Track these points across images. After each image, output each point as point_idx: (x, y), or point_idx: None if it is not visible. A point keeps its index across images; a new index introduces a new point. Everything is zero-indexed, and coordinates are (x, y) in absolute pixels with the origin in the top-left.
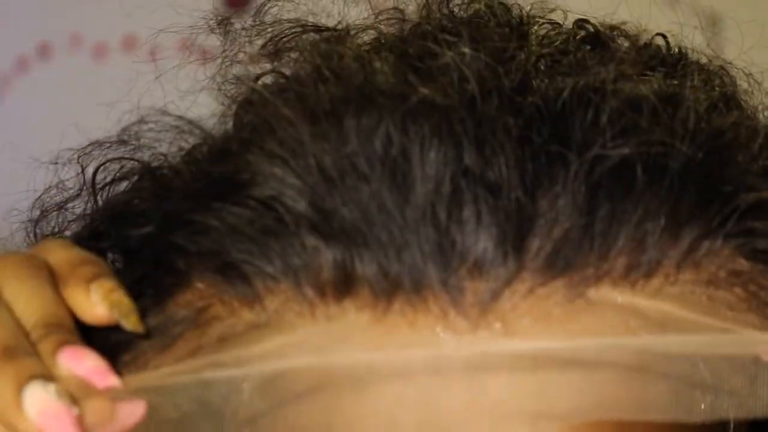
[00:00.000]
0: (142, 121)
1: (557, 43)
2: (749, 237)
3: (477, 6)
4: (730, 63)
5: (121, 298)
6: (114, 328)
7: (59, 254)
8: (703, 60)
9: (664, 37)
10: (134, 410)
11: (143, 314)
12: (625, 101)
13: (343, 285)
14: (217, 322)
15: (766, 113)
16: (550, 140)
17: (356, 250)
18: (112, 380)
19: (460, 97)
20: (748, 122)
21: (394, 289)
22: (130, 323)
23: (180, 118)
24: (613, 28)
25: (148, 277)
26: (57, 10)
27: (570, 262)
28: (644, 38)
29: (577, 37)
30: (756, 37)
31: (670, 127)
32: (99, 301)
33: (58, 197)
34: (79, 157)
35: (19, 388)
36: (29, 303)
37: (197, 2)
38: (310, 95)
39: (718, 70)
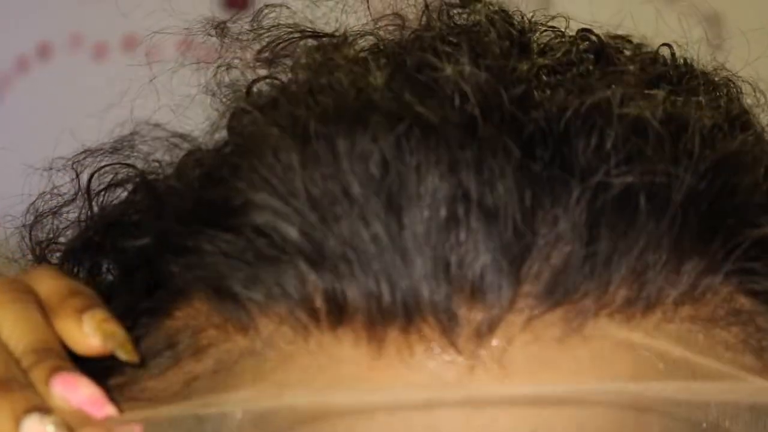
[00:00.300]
0: (134, 133)
1: (560, 53)
2: (750, 276)
3: (477, 16)
4: (735, 74)
5: (115, 328)
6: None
7: (48, 284)
8: (709, 68)
9: (670, 47)
10: None
11: (138, 336)
12: (629, 126)
13: (336, 314)
14: (212, 348)
15: None
16: (551, 164)
17: (347, 279)
18: (108, 410)
19: (459, 117)
20: (753, 142)
21: (387, 318)
22: (126, 353)
23: (172, 132)
24: (617, 38)
25: (143, 292)
26: (57, 10)
27: (569, 290)
28: (649, 48)
29: (581, 47)
30: (761, 41)
31: (675, 155)
32: (92, 332)
33: (52, 202)
34: (73, 163)
35: (17, 421)
36: (15, 328)
37: (197, 3)
38: (300, 115)
39: (724, 81)
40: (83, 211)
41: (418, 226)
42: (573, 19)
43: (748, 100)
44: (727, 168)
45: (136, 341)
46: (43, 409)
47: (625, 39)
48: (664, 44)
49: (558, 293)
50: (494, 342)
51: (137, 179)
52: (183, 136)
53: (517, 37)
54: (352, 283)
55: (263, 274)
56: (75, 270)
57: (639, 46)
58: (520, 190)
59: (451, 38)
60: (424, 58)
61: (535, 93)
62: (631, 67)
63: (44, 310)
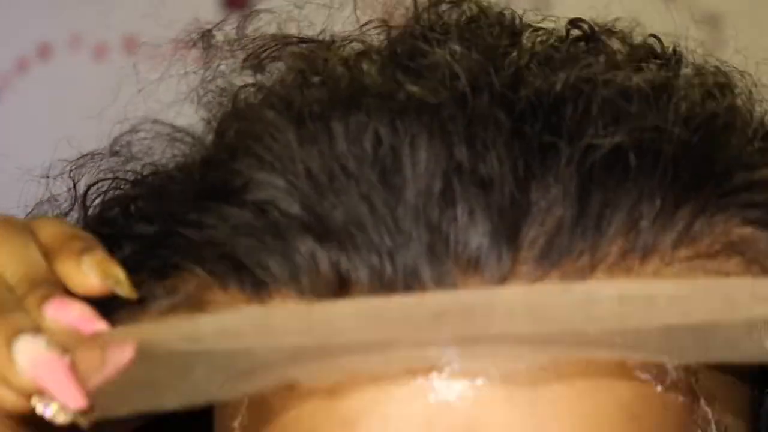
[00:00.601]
0: (134, 130)
1: (550, 42)
2: (748, 208)
3: (468, 12)
4: (725, 62)
5: (113, 266)
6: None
7: (50, 229)
8: (698, 59)
9: (657, 38)
10: (125, 352)
11: (142, 286)
12: (616, 91)
13: (339, 287)
14: (213, 306)
15: (765, 106)
16: (541, 132)
17: (349, 252)
18: (99, 325)
19: (450, 94)
20: (742, 109)
21: (388, 291)
22: (124, 290)
23: (172, 126)
24: (607, 28)
25: (151, 258)
26: (57, 10)
27: (563, 251)
28: (638, 37)
29: (571, 36)
30: (754, 35)
31: (663, 114)
32: (91, 271)
33: (50, 212)
34: (70, 170)
35: (9, 342)
36: (11, 259)
37: (198, 2)
38: (295, 99)
39: (714, 69)
40: (80, 221)
41: (414, 200)
42: (565, 17)
43: (741, 98)
44: (717, 124)
45: (138, 285)
46: (36, 329)
47: (615, 28)
48: (651, 35)
49: (553, 255)
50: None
51: (136, 178)
52: (184, 130)
53: (509, 26)
54: (357, 257)
55: (272, 247)
56: None
57: (628, 33)
58: (512, 160)
59: (441, 27)
60: (415, 45)
61: (526, 73)
62: (620, 48)
63: (45, 252)
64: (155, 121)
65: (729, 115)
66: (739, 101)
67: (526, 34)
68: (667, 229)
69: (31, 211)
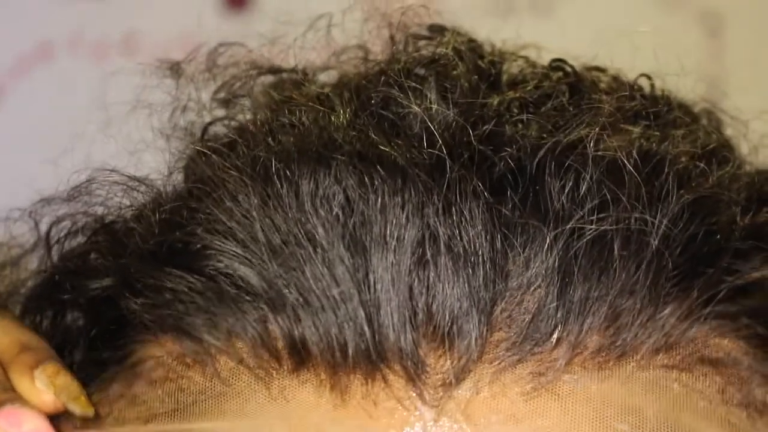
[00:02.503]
0: (91, 179)
1: (531, 86)
2: (733, 320)
3: (444, 48)
4: (714, 105)
5: (68, 381)
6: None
7: (1, 338)
8: (688, 99)
9: (649, 78)
10: None
11: (102, 368)
12: (604, 169)
13: (297, 357)
14: (170, 383)
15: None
16: (523, 206)
17: (308, 323)
18: None
19: (426, 157)
20: (730, 178)
21: (351, 365)
22: (80, 407)
23: (129, 176)
24: (592, 69)
25: (107, 330)
26: (57, 10)
27: (542, 338)
28: (625, 80)
29: (554, 78)
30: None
31: (650, 198)
32: (44, 388)
33: (10, 254)
34: (30, 212)
35: None
36: None
37: (198, 2)
38: (259, 156)
39: (704, 113)
40: (43, 261)
41: (383, 271)
42: (544, 48)
43: (729, 130)
44: (703, 209)
45: (104, 386)
46: None
47: (601, 70)
48: (642, 75)
49: (530, 341)
50: (461, 392)
51: (96, 224)
52: (140, 180)
53: (487, 69)
54: (314, 327)
55: (224, 314)
56: (38, 318)
57: (615, 78)
58: (490, 234)
59: (417, 72)
60: (389, 95)
61: (507, 128)
62: (606, 102)
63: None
64: (112, 170)
65: (715, 195)
66: (727, 165)
67: (506, 66)
68: (647, 331)
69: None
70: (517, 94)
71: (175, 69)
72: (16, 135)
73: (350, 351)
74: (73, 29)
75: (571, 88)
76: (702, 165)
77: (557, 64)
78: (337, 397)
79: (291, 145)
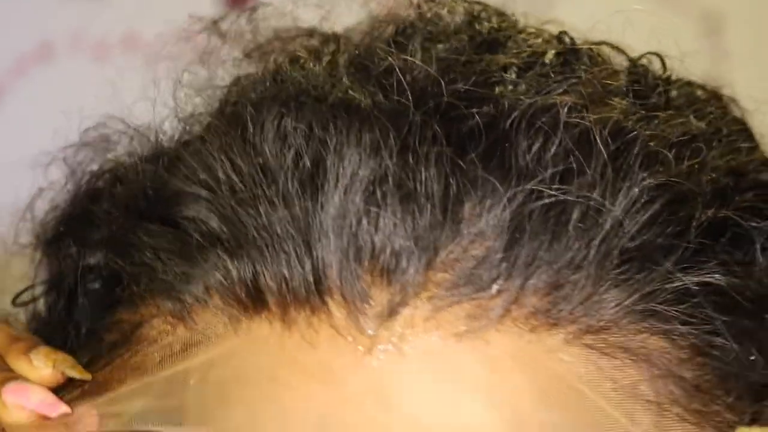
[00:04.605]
0: (100, 125)
1: (526, 54)
2: (664, 322)
3: (441, 9)
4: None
5: (61, 356)
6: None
7: None
8: (699, 80)
9: (660, 56)
10: (88, 426)
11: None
12: (574, 137)
13: (254, 299)
14: (156, 341)
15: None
16: (487, 160)
17: (261, 263)
18: (62, 409)
19: (391, 104)
20: (700, 167)
21: (299, 300)
22: (78, 372)
23: (128, 125)
24: (599, 44)
25: (101, 293)
26: (57, 10)
27: (482, 285)
28: (630, 56)
29: (551, 49)
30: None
31: (614, 177)
32: (42, 365)
33: (48, 195)
34: (64, 157)
35: None
36: None
37: (198, 3)
38: (240, 100)
39: (710, 96)
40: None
41: (334, 206)
42: (565, 23)
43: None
44: (664, 197)
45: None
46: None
47: (609, 45)
48: (651, 53)
49: (470, 285)
50: (397, 325)
51: (103, 173)
52: (137, 129)
53: (486, 33)
54: (266, 266)
55: (193, 266)
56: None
57: (620, 52)
58: (445, 179)
59: (408, 30)
60: (372, 48)
61: (487, 88)
62: (592, 74)
63: None
64: (118, 119)
65: (678, 181)
66: (713, 151)
67: (519, 37)
68: (585, 309)
69: (31, 202)
70: (509, 59)
71: (211, 28)
72: (16, 135)
73: (297, 285)
74: (73, 29)
75: (565, 57)
76: (672, 152)
77: (560, 36)
78: (286, 330)
79: (268, 93)
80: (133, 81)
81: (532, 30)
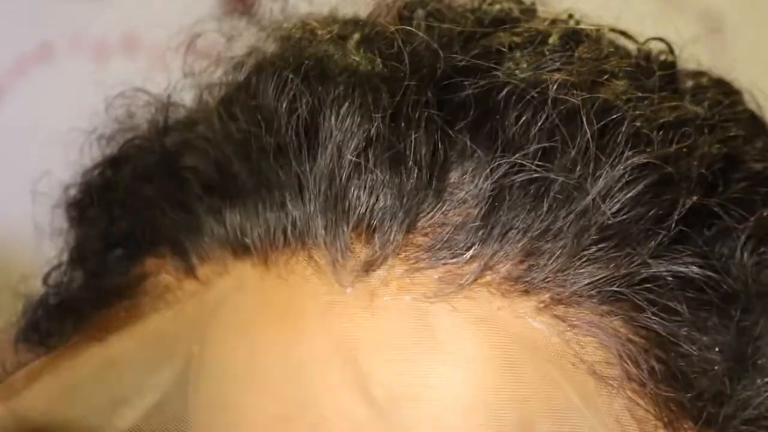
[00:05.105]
0: (121, 95)
1: (528, 34)
2: (634, 310)
3: None
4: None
5: None
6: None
7: None
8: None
9: (667, 43)
10: None
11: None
12: (562, 114)
13: (242, 244)
14: (156, 292)
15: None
16: (476, 130)
17: (250, 212)
18: None
19: (389, 69)
20: (688, 151)
21: (283, 244)
22: None
23: (149, 94)
24: (604, 28)
25: (122, 256)
26: (57, 10)
27: (458, 250)
28: (637, 42)
29: (556, 32)
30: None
31: (596, 154)
32: None
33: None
34: (99, 138)
35: None
36: None
37: (199, 3)
38: (252, 71)
39: (710, 83)
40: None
41: (325, 161)
42: (583, 14)
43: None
44: (648, 178)
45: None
46: None
47: (616, 30)
48: (655, 38)
49: (446, 250)
50: (372, 280)
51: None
52: (158, 98)
53: (494, 13)
54: (256, 212)
55: (192, 217)
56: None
57: (627, 37)
58: (432, 145)
59: (416, 6)
60: (376, 20)
61: (484, 63)
62: (592, 55)
63: None
64: (137, 89)
65: (659, 163)
66: (703, 138)
67: (517, 25)
68: (558, 279)
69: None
70: (511, 37)
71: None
72: (16, 135)
73: (282, 232)
74: (73, 29)
75: (567, 38)
76: (660, 134)
77: (566, 19)
78: (266, 272)
79: (280, 59)
80: (134, 81)
81: (545, 15)
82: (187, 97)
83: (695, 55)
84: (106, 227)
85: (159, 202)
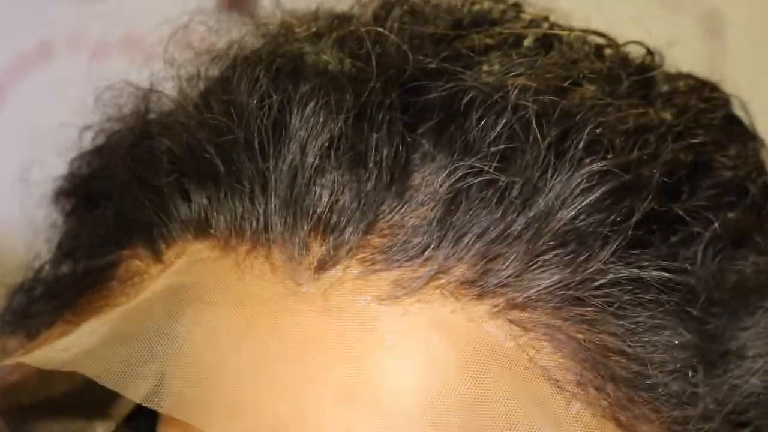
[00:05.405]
0: (110, 88)
1: (503, 37)
2: (588, 323)
3: None
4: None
5: None
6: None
7: None
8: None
9: (646, 47)
10: None
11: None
12: (521, 119)
13: (205, 226)
14: (127, 275)
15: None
16: (439, 132)
17: (221, 195)
18: None
19: (356, 70)
20: (650, 157)
21: (244, 236)
22: None
23: (138, 87)
24: (580, 31)
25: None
26: (57, 10)
27: (413, 252)
28: (611, 45)
29: (533, 35)
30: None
31: (554, 159)
32: None
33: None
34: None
35: None
36: None
37: (199, 1)
38: (237, 54)
39: (687, 87)
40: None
41: (289, 158)
42: (573, 18)
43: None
44: (606, 185)
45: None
46: None
47: (595, 33)
48: (633, 42)
49: (401, 252)
50: (326, 279)
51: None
52: (142, 89)
53: (472, 15)
54: (219, 197)
55: (162, 199)
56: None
57: (607, 39)
58: (395, 147)
59: (391, 6)
60: (355, 21)
61: (452, 67)
62: (562, 59)
63: None
64: (126, 82)
65: (635, 172)
66: (668, 142)
67: (493, 27)
68: (514, 283)
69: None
70: (484, 40)
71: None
72: (15, 135)
73: (243, 221)
74: (73, 29)
75: (542, 42)
76: (621, 140)
77: (543, 22)
78: (224, 254)
79: (255, 55)
80: (133, 81)
81: (530, 16)
82: (173, 90)
83: (695, 55)
84: (92, 217)
85: (133, 186)
